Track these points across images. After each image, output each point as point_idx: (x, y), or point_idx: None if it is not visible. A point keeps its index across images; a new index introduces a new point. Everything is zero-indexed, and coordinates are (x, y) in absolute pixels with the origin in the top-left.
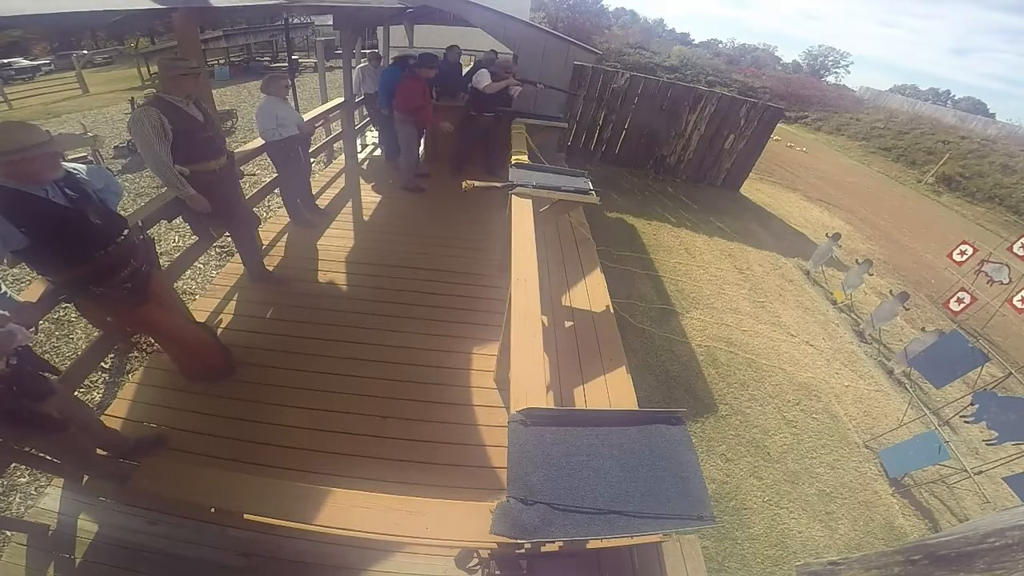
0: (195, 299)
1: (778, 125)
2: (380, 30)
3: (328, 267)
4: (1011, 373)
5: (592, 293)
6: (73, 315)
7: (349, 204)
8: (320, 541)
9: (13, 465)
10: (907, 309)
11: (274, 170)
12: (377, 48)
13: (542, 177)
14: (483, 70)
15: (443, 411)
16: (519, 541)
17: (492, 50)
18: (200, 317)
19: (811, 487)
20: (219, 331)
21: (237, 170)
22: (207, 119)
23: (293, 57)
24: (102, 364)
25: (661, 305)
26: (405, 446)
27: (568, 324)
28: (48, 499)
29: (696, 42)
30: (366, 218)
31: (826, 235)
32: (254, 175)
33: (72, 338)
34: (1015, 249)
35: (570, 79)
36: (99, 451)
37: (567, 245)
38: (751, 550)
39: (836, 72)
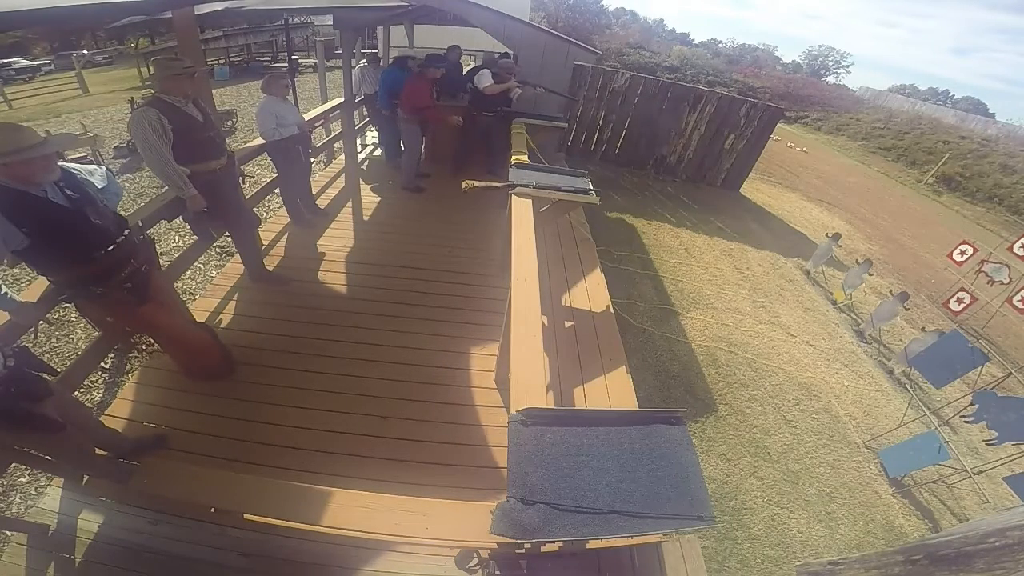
0: (195, 299)
1: (778, 125)
2: (380, 30)
3: (328, 267)
4: (1011, 373)
5: (592, 293)
6: (73, 315)
7: (349, 204)
8: (320, 541)
9: (13, 465)
10: (907, 309)
11: (274, 170)
12: (377, 48)
13: (542, 177)
14: (485, 71)
15: (443, 411)
16: (519, 541)
17: (506, 52)
18: (200, 317)
19: (811, 487)
20: (219, 331)
21: (237, 170)
22: (206, 119)
23: (293, 57)
24: (102, 364)
25: (661, 305)
26: (405, 446)
27: (568, 324)
28: (48, 499)
29: (696, 42)
30: (366, 218)
31: (826, 235)
32: (254, 175)
33: (72, 338)
34: (1015, 249)
35: (570, 79)
36: (99, 451)
37: (567, 245)
38: (751, 550)
39: (836, 72)
